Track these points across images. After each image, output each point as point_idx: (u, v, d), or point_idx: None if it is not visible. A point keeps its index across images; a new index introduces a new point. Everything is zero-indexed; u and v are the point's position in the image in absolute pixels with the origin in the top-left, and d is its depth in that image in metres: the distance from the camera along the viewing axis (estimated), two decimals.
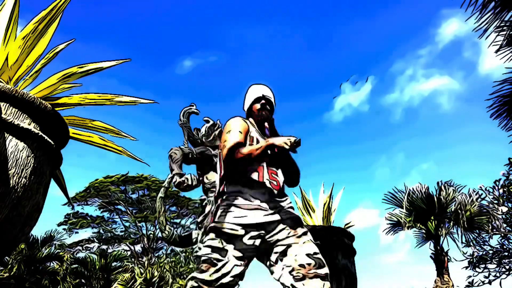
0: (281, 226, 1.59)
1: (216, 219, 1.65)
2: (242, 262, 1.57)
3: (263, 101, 1.85)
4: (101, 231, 20.42)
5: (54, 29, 1.87)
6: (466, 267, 7.91)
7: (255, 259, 1.67)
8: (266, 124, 1.84)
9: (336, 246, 3.17)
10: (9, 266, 8.67)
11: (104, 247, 18.97)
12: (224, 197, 1.69)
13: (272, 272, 1.59)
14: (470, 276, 7.97)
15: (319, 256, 1.54)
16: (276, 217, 1.60)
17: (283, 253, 1.54)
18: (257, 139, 1.77)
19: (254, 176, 1.67)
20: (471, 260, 7.86)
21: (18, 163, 1.46)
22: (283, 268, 1.52)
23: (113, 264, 10.83)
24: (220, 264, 1.53)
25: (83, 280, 10.17)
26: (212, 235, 1.62)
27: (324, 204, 3.87)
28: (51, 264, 10.11)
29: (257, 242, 1.57)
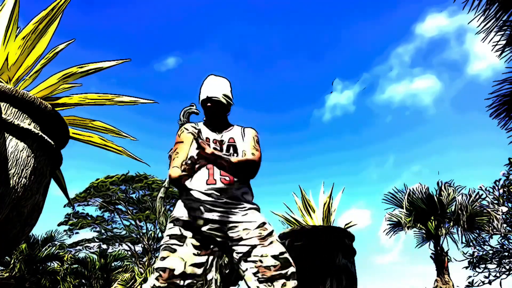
0: (244, 225, 1.58)
1: (175, 212, 1.68)
2: (200, 252, 1.57)
3: (208, 104, 1.80)
4: (102, 231, 20.44)
5: (54, 29, 1.87)
6: (466, 267, 7.92)
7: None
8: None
9: (336, 246, 3.17)
10: (10, 266, 8.68)
11: (104, 247, 19.00)
12: (183, 192, 1.72)
13: (237, 269, 1.59)
14: (470, 276, 7.97)
15: (285, 255, 1.52)
16: (236, 218, 1.60)
17: (247, 254, 1.53)
18: (207, 138, 1.78)
19: (204, 173, 1.68)
20: (471, 260, 7.86)
21: (18, 163, 1.46)
22: (246, 269, 1.52)
23: (113, 264, 10.84)
24: (178, 249, 1.54)
25: (83, 280, 10.17)
26: (170, 224, 1.65)
27: (324, 204, 3.87)
28: (52, 264, 10.12)
29: (218, 236, 1.58)
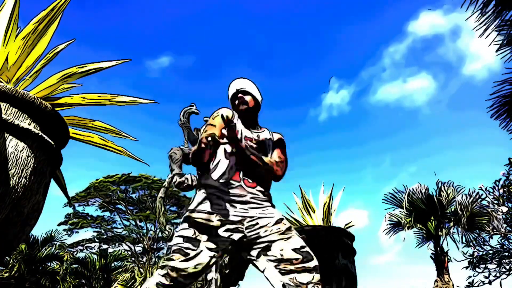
0: (262, 222, 1.56)
1: (191, 208, 1.64)
2: (216, 254, 1.55)
3: (239, 95, 1.80)
4: (102, 231, 20.44)
5: (54, 29, 1.87)
6: (466, 267, 7.91)
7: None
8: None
9: (336, 246, 3.17)
10: (10, 266, 8.68)
11: (105, 246, 19.00)
12: (202, 188, 1.69)
13: (255, 266, 1.57)
14: (470, 276, 7.97)
15: (307, 249, 1.50)
16: (254, 214, 1.59)
17: (267, 248, 1.51)
18: (241, 131, 1.76)
19: (232, 169, 1.67)
20: (471, 260, 7.86)
21: (18, 163, 1.46)
22: (267, 262, 1.50)
23: (113, 264, 10.84)
24: (192, 253, 1.52)
25: (83, 280, 10.17)
26: (185, 225, 1.61)
27: (324, 204, 3.88)
28: (51, 264, 10.12)
29: (235, 236, 1.55)
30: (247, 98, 1.80)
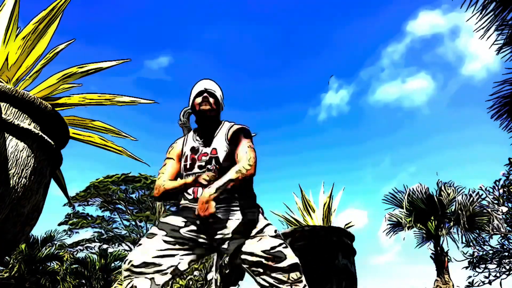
0: (230, 227, 1.55)
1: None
2: (170, 246, 1.53)
3: (205, 94, 1.75)
4: (102, 231, 20.45)
5: (54, 29, 1.87)
6: (466, 267, 7.91)
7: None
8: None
9: (336, 246, 3.17)
10: (10, 266, 8.68)
11: (105, 246, 19.01)
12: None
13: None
14: (470, 276, 7.96)
15: (279, 249, 1.48)
16: (223, 218, 1.57)
17: (237, 250, 1.51)
18: (192, 155, 1.74)
19: (190, 193, 1.68)
20: (471, 260, 7.86)
21: (18, 163, 1.46)
22: (240, 264, 1.51)
23: (113, 264, 10.84)
24: (144, 242, 1.54)
25: (83, 280, 10.18)
26: (154, 229, 1.65)
27: (324, 204, 3.88)
28: (51, 264, 10.12)
29: (200, 239, 1.57)
30: (212, 100, 1.77)
